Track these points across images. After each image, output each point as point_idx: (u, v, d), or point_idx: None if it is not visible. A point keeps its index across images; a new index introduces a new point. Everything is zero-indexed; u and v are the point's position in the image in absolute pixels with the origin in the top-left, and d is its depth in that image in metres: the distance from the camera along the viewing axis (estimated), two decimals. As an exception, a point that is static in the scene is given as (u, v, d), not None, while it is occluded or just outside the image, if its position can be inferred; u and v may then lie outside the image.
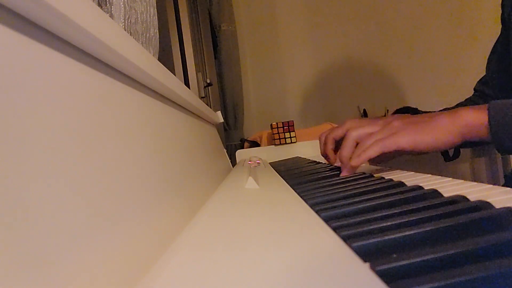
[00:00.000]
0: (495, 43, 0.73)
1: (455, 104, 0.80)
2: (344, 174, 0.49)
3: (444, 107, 0.74)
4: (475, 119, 0.44)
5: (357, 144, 0.50)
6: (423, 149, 0.45)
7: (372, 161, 0.56)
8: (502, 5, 0.71)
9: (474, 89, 0.85)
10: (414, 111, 0.80)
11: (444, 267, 0.16)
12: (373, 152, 0.46)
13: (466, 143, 0.47)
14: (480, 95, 0.82)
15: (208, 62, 1.57)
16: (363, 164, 0.60)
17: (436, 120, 0.46)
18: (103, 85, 0.24)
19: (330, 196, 0.33)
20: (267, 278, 0.15)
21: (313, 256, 0.17)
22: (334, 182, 0.42)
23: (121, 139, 0.24)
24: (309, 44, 2.19)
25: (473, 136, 0.44)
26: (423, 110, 0.81)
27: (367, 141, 0.48)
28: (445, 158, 0.58)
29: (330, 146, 0.59)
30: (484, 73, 0.78)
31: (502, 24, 0.71)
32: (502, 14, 0.71)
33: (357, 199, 0.30)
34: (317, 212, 0.27)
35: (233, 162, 1.08)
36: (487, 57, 0.75)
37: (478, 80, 0.84)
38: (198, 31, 1.51)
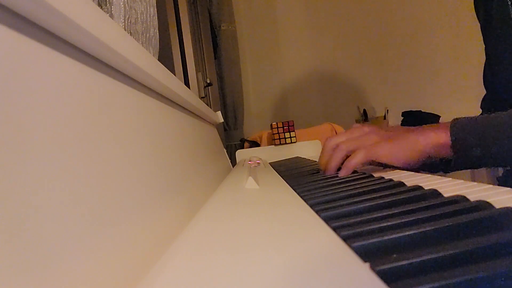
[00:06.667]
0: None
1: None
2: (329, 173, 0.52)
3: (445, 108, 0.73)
4: (440, 139, 0.47)
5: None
6: (395, 163, 0.49)
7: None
8: (477, 14, 0.69)
9: (481, 107, 0.79)
10: (418, 114, 0.80)
11: (444, 267, 0.16)
12: (360, 158, 0.49)
13: (435, 163, 0.50)
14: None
15: (208, 62, 1.57)
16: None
17: (407, 138, 0.49)
18: (103, 85, 0.24)
19: (330, 196, 0.33)
20: (267, 278, 0.15)
21: (313, 256, 0.17)
22: (334, 182, 0.42)
23: (120, 139, 0.24)
24: (309, 44, 2.19)
25: (437, 154, 0.48)
26: (426, 111, 0.80)
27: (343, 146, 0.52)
28: (445, 170, 0.59)
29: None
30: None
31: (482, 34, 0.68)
32: (482, 25, 0.68)
33: (357, 199, 0.30)
34: (317, 212, 0.27)
35: (233, 162, 1.08)
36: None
37: (481, 99, 0.78)
38: (198, 31, 1.51)
